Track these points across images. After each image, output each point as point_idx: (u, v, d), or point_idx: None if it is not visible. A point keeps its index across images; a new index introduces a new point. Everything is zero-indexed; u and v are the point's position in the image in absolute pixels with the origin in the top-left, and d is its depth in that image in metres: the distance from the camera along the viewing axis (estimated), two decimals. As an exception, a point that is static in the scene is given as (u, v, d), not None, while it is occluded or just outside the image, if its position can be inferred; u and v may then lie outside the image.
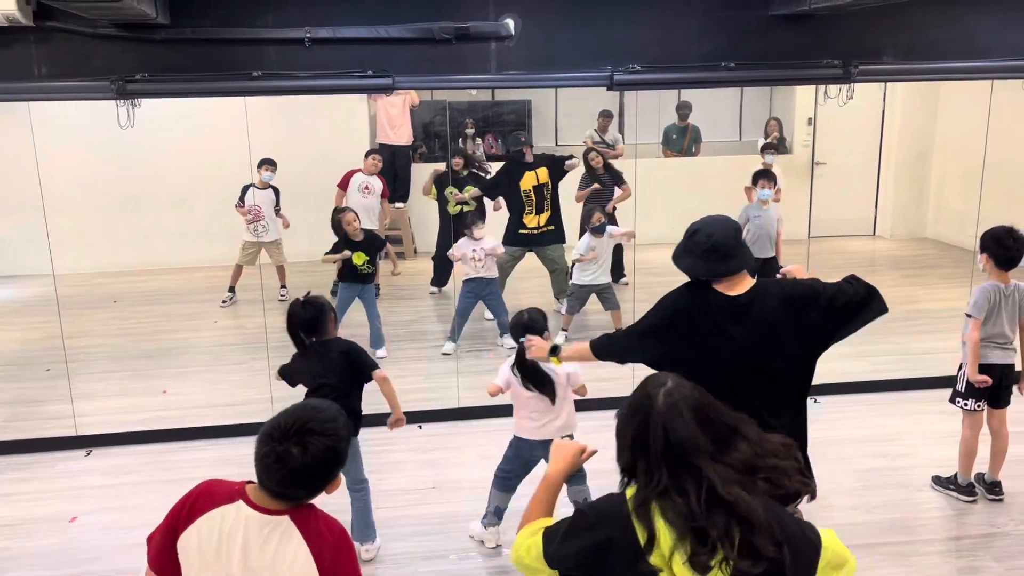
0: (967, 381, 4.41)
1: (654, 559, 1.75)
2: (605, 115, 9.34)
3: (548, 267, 7.63)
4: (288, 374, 4.09)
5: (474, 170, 8.13)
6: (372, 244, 6.69)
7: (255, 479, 1.99)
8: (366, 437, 5.31)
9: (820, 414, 5.58)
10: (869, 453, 4.91)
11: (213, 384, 6.26)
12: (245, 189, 7.68)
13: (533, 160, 7.44)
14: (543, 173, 7.46)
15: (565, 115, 10.64)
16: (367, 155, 7.98)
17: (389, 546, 4.20)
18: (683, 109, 9.89)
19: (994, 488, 4.51)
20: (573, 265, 7.15)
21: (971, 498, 4.49)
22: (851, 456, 4.96)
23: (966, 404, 4.45)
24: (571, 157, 7.62)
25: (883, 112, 10.29)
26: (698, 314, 2.99)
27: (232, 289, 7.96)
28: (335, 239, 6.60)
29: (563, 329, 6.96)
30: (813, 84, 5.60)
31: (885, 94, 10.08)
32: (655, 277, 7.69)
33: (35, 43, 4.47)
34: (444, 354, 6.67)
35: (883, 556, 4.07)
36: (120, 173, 8.75)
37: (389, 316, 7.69)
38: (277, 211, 7.85)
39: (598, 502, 1.92)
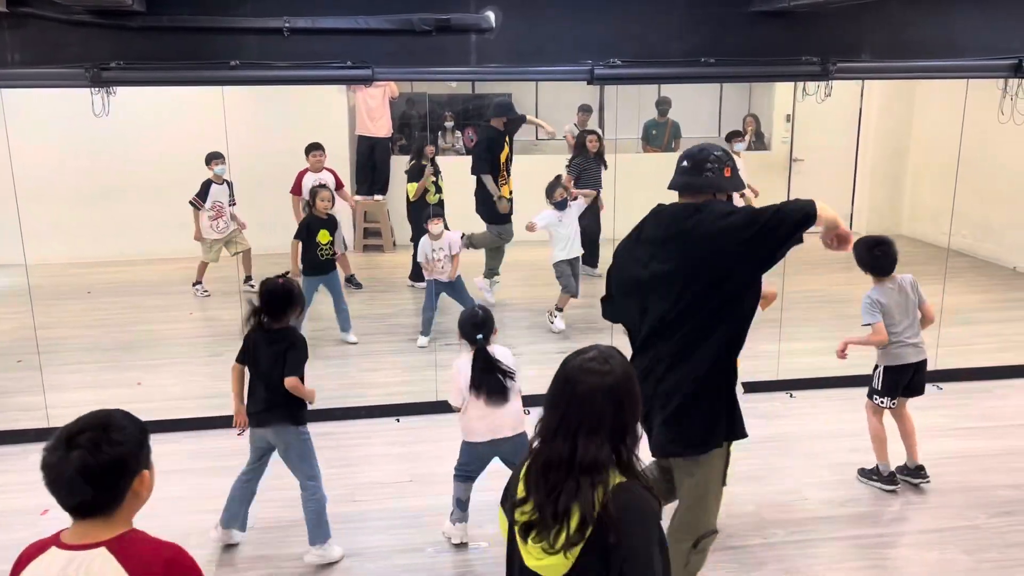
0: (883, 381, 4.55)
1: (517, 514, 1.94)
2: (584, 110, 9.35)
3: (503, 238, 7.59)
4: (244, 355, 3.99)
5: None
6: (334, 225, 6.75)
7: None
8: (343, 430, 5.33)
9: (794, 409, 5.65)
10: (842, 447, 4.96)
11: (188, 376, 6.21)
12: (207, 185, 7.57)
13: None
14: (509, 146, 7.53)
15: (546, 109, 10.63)
16: (308, 152, 7.82)
17: (365, 540, 4.19)
18: (663, 104, 9.93)
19: (919, 472, 4.63)
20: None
21: (892, 487, 4.57)
22: (824, 450, 5.01)
23: (882, 402, 4.57)
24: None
25: (860, 110, 10.39)
26: (646, 228, 3.16)
27: (199, 283, 7.88)
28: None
29: (558, 308, 6.98)
30: (792, 81, 5.63)
31: (862, 92, 10.18)
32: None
33: (8, 29, 4.39)
34: (420, 347, 6.67)
35: (856, 549, 4.11)
36: (95, 163, 8.66)
37: (366, 309, 7.67)
38: (232, 204, 7.75)
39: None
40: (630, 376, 1.95)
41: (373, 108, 9.32)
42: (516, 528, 1.94)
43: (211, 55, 4.52)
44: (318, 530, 3.98)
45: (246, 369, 3.98)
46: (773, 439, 5.19)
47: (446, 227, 6.80)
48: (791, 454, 5.02)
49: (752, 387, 5.48)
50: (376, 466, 4.94)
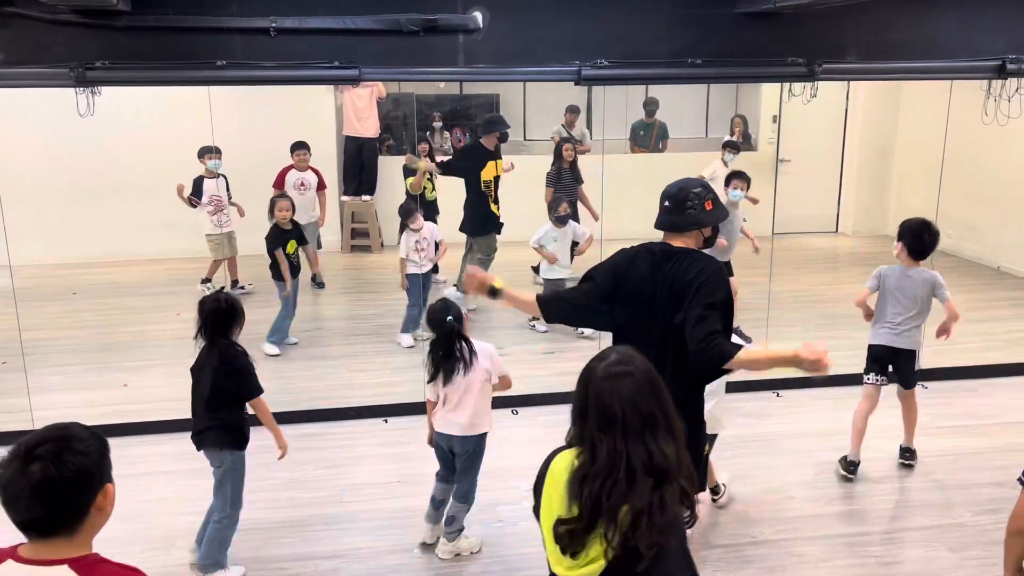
0: (866, 357, 4.72)
1: (544, 519, 1.94)
2: (572, 110, 9.36)
3: (485, 253, 7.48)
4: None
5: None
6: (299, 231, 6.71)
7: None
8: (331, 431, 5.32)
9: (780, 408, 5.68)
10: (828, 446, 4.98)
11: (174, 378, 6.10)
12: (199, 182, 7.54)
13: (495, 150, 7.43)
14: (500, 165, 7.46)
15: (533, 109, 10.65)
16: (293, 150, 7.79)
17: (353, 540, 4.18)
18: (650, 105, 9.96)
19: (905, 453, 4.82)
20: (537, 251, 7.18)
21: (848, 475, 4.65)
22: (810, 449, 5.04)
23: (866, 378, 4.71)
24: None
25: (846, 111, 10.45)
26: (640, 257, 3.14)
27: (208, 280, 7.86)
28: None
29: (535, 317, 6.97)
30: (778, 82, 5.66)
31: (848, 93, 10.24)
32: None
33: (-8, 28, 4.36)
34: (407, 347, 6.66)
35: (842, 547, 4.14)
36: (80, 163, 8.59)
37: (354, 310, 7.66)
38: (229, 198, 7.70)
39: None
40: (653, 369, 1.97)
41: (360, 108, 9.30)
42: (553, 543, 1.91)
43: (197, 55, 4.49)
44: (208, 557, 3.79)
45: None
46: (759, 438, 5.22)
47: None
48: (778, 453, 5.04)
49: (738, 387, 5.52)
50: (364, 467, 4.93)
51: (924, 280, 4.62)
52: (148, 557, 4.01)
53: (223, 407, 3.78)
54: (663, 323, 3.04)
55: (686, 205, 3.18)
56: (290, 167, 7.76)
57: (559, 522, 1.89)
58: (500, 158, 7.48)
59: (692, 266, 3.05)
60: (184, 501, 4.45)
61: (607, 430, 1.87)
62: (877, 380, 4.70)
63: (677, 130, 10.30)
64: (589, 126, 9.79)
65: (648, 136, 10.02)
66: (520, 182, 8.03)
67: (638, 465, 1.84)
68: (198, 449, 3.88)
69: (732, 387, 5.97)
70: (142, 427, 5.23)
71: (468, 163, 7.40)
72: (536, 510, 2.04)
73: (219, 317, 3.79)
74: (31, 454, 1.72)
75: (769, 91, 10.04)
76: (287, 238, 6.54)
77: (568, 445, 2.00)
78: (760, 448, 5.09)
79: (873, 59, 5.03)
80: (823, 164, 10.44)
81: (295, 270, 6.65)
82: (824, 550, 4.10)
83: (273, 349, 6.52)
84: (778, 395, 5.82)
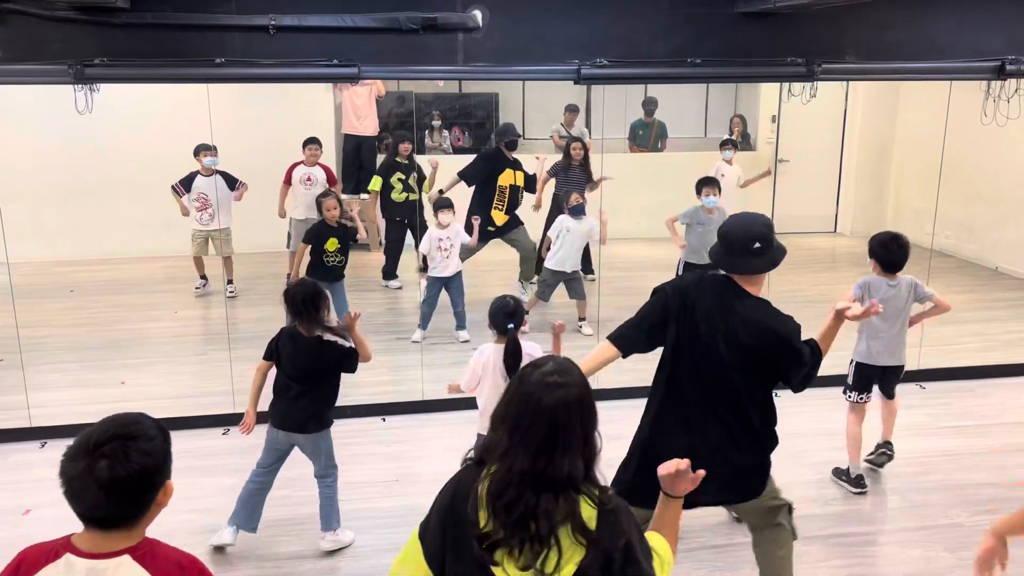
0: (854, 376, 4.63)
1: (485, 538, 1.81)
2: (571, 109, 9.35)
3: (520, 252, 7.62)
4: (277, 354, 3.98)
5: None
6: (346, 235, 6.55)
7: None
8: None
9: (779, 407, 5.67)
10: (825, 447, 4.97)
11: (172, 376, 6.17)
12: (192, 176, 7.53)
13: (514, 160, 7.45)
14: (520, 176, 7.47)
15: (533, 108, 10.64)
16: (304, 145, 7.76)
17: (352, 538, 4.18)
18: (649, 105, 9.95)
19: (885, 445, 4.78)
20: (542, 244, 7.15)
21: (860, 490, 4.58)
22: (808, 449, 5.03)
23: (855, 397, 4.63)
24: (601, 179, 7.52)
25: (845, 111, 10.45)
26: (698, 293, 3.10)
27: (203, 277, 7.85)
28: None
29: (583, 318, 6.99)
30: (777, 81, 5.67)
31: (847, 93, 10.24)
32: (622, 272, 7.78)
33: (-10, 25, 4.36)
34: (413, 341, 6.66)
35: (840, 547, 4.14)
36: (78, 160, 8.57)
37: (352, 308, 7.62)
38: (236, 189, 7.59)
39: (455, 475, 1.99)
40: (589, 386, 1.91)
41: (359, 107, 9.28)
42: (486, 554, 1.82)
43: (196, 52, 4.49)
44: (329, 519, 4.09)
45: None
46: (758, 438, 5.21)
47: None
48: (774, 453, 5.03)
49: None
50: (362, 465, 4.93)
51: (906, 288, 4.55)
52: (145, 555, 3.99)
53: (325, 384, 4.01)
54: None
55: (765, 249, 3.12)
56: (299, 163, 7.75)
57: (482, 536, 1.82)
58: (520, 170, 7.58)
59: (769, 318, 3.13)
60: (182, 499, 4.41)
61: (524, 439, 1.82)
62: (863, 399, 4.64)
63: (676, 130, 10.29)
64: (588, 125, 9.78)
65: (647, 135, 10.01)
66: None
67: (549, 478, 1.79)
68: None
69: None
70: (140, 425, 5.23)
71: (487, 170, 7.50)
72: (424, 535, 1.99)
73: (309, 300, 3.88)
74: (99, 451, 1.73)
75: (768, 91, 10.04)
76: (329, 235, 6.41)
77: (479, 458, 1.93)
78: (758, 448, 5.09)
79: (872, 59, 5.04)
80: (822, 164, 10.44)
81: (335, 271, 6.49)
82: (822, 550, 4.10)
83: None
84: (776, 395, 5.81)
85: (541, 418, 1.82)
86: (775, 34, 4.92)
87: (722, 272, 3.18)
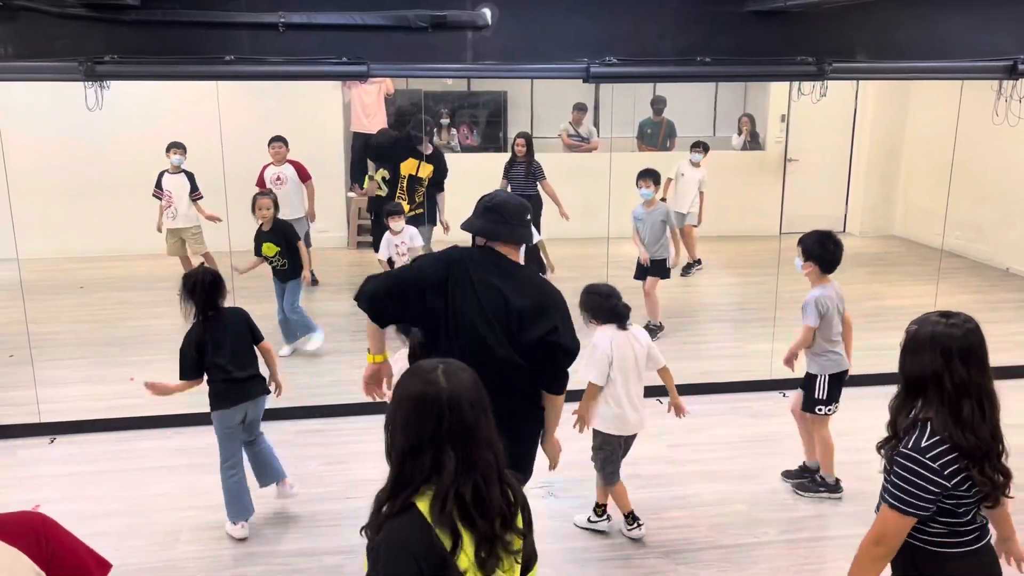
0: (827, 390, 4.50)
1: (461, 561, 1.76)
2: (579, 108, 9.34)
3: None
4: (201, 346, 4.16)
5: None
6: (282, 234, 6.29)
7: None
8: (335, 427, 5.33)
9: (785, 408, 5.65)
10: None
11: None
12: (160, 175, 7.52)
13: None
14: (427, 168, 7.36)
15: (541, 107, 10.63)
16: (268, 144, 7.60)
17: (358, 536, 4.17)
18: (658, 103, 9.93)
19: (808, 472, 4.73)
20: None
21: (838, 495, 4.57)
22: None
23: (827, 410, 4.54)
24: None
25: (855, 110, 10.41)
26: (466, 263, 3.14)
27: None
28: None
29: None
30: (787, 81, 5.64)
31: (857, 92, 10.20)
32: (623, 271, 7.78)
33: (1, 22, 4.36)
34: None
35: (848, 548, 4.10)
36: (88, 157, 8.61)
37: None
38: (194, 197, 7.54)
39: (388, 537, 1.88)
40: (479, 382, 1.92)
41: (368, 104, 9.27)
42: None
43: (206, 50, 4.50)
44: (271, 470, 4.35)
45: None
46: (765, 438, 5.20)
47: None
48: (783, 453, 5.02)
49: (745, 387, 5.52)
50: (369, 463, 4.92)
51: (837, 289, 4.49)
52: (150, 552, 4.01)
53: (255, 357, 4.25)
54: None
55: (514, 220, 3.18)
56: (268, 164, 7.61)
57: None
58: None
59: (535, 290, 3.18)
60: (188, 496, 4.46)
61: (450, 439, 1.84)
62: (831, 410, 4.56)
63: (685, 129, 10.27)
64: (596, 124, 9.77)
65: (656, 134, 9.99)
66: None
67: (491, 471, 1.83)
68: (252, 399, 4.19)
69: (738, 387, 5.98)
70: (147, 421, 5.24)
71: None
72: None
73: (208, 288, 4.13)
74: None
75: (778, 90, 10.00)
76: (261, 240, 6.24)
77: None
78: (765, 448, 5.08)
79: (883, 58, 5.01)
80: (831, 164, 10.40)
81: (280, 275, 6.34)
82: (830, 550, 4.09)
83: (285, 350, 6.48)
84: (784, 395, 5.80)
85: (455, 416, 1.93)
86: (785, 33, 4.90)
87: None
